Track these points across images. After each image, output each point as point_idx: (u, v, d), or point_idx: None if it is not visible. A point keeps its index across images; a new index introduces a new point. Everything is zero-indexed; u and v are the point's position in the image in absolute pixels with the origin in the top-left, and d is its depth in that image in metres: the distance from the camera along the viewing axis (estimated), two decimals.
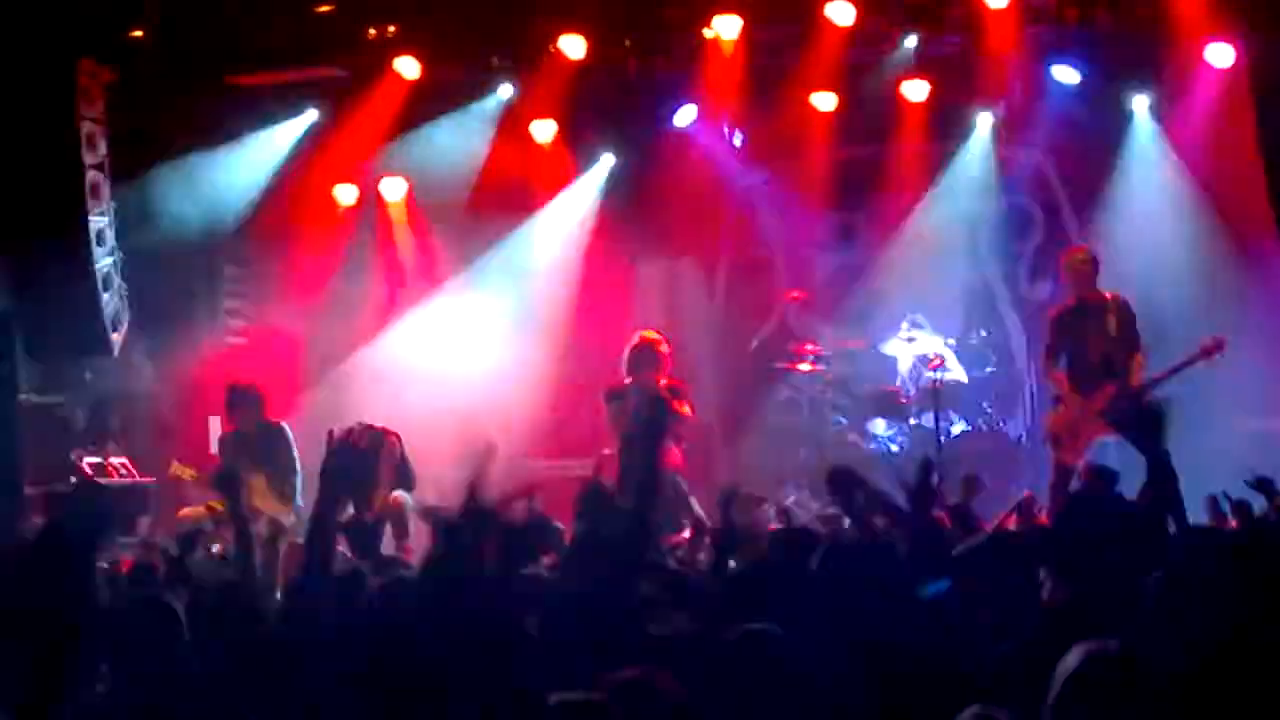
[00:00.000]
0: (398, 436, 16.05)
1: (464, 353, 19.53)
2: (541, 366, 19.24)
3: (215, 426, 19.29)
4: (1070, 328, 15.25)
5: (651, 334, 16.06)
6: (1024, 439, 18.78)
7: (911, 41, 17.45)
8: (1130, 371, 14.85)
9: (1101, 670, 4.12)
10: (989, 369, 19.26)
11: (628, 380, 15.72)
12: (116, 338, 17.29)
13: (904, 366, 18.83)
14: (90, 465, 17.92)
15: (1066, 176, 19.84)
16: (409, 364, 19.32)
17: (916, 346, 18.70)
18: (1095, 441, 14.85)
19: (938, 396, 18.01)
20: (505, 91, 18.74)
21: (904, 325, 18.76)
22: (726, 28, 17.42)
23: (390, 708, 5.35)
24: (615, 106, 19.90)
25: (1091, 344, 15.05)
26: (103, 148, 17.14)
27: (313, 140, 19.78)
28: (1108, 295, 15.25)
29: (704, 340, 19.11)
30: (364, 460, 12.22)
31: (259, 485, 15.39)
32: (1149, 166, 19.01)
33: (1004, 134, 19.73)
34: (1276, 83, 14.64)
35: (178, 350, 19.16)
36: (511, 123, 19.76)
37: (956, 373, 18.67)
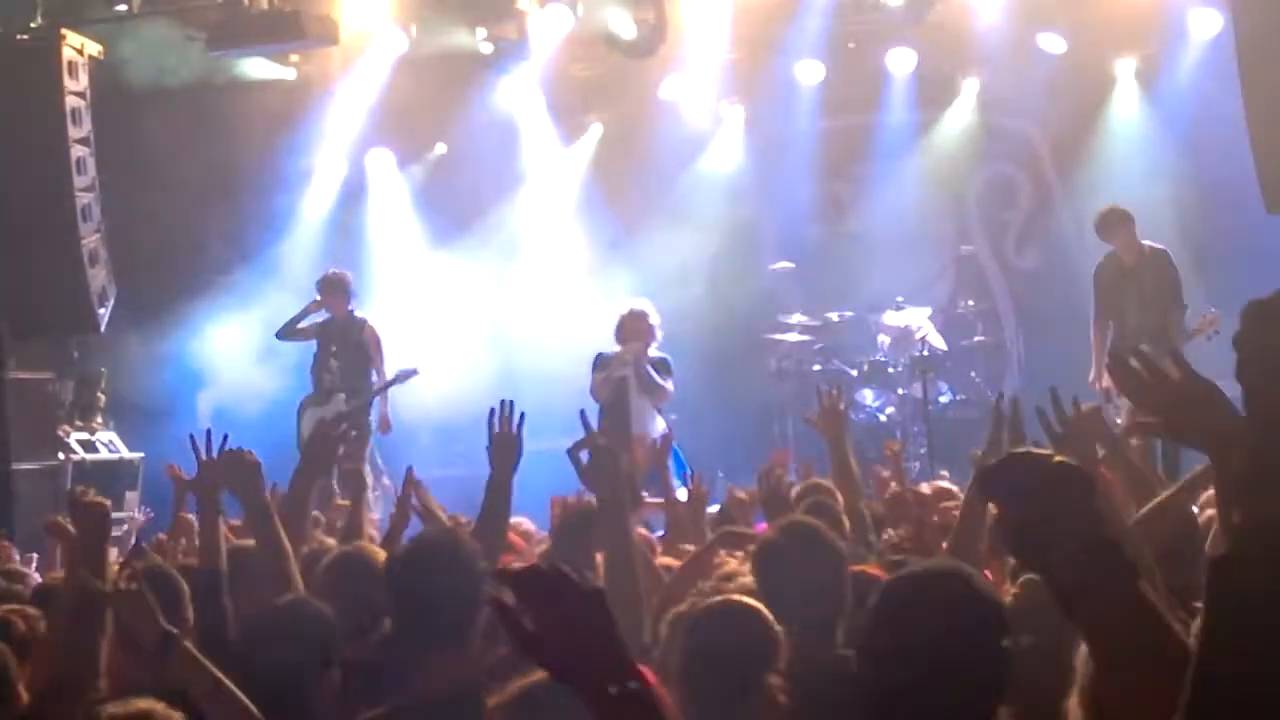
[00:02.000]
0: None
1: (448, 324, 19.52)
2: (525, 339, 19.23)
3: (203, 402, 19.32)
4: (1109, 284, 15.29)
5: (642, 303, 16.06)
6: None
7: (898, 10, 17.38)
8: (1171, 326, 14.88)
9: None
10: (977, 338, 19.27)
11: (617, 348, 15.74)
12: (103, 313, 17.25)
13: (891, 337, 18.81)
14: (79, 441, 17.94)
15: (1053, 144, 19.87)
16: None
17: (903, 317, 18.68)
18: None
19: (925, 366, 18.04)
20: (492, 62, 18.66)
21: (898, 297, 18.73)
22: None
23: None
24: (603, 77, 19.89)
25: (1130, 302, 15.11)
26: (87, 123, 17.09)
27: (297, 112, 19.73)
28: (1147, 249, 15.31)
29: (691, 310, 19.06)
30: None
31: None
32: (1135, 134, 19.06)
33: (990, 102, 19.75)
34: (1261, 48, 14.60)
35: (165, 325, 19.15)
36: (499, 93, 19.75)
37: (939, 342, 18.63)
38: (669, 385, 15.61)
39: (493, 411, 7.28)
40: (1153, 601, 2.80)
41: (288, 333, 17.28)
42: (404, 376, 16.68)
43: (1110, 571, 2.76)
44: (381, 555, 6.74)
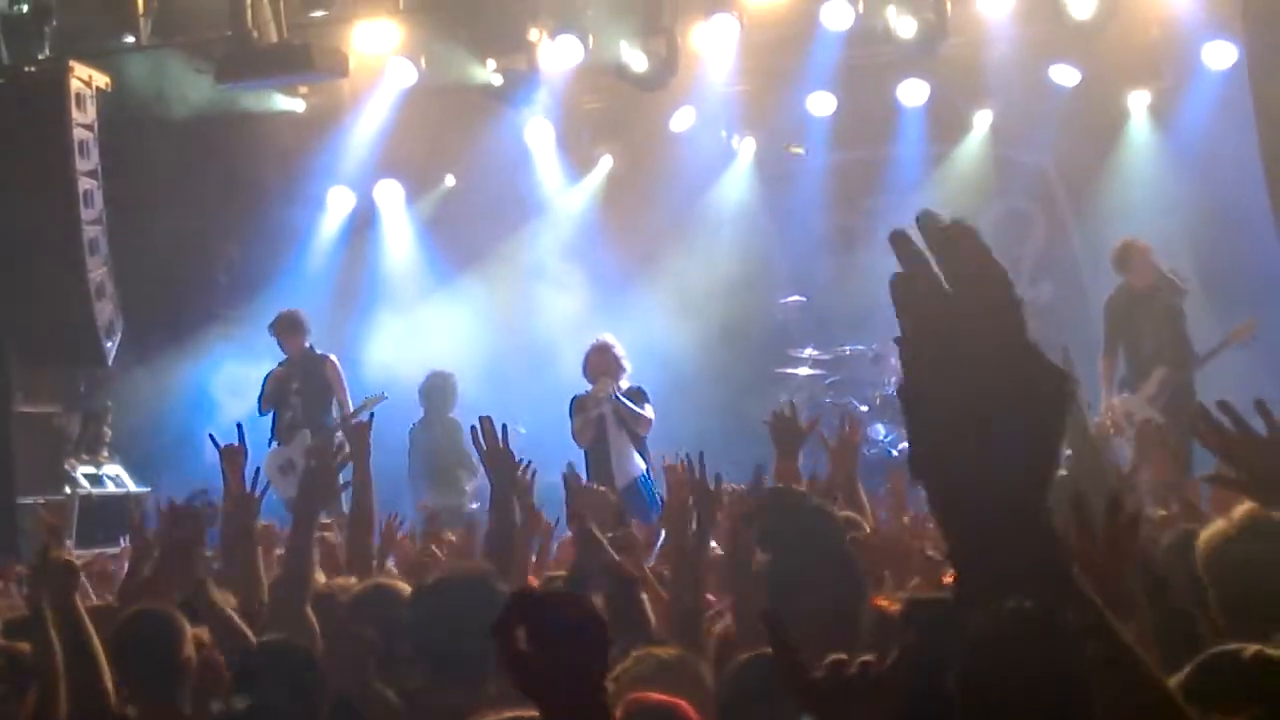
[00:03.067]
0: None
1: (455, 356, 19.46)
2: (532, 373, 19.15)
3: (210, 435, 19.22)
4: (1120, 315, 15.24)
5: (606, 337, 15.96)
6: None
7: (910, 43, 17.31)
8: (1185, 350, 14.90)
9: None
10: None
11: (591, 388, 15.67)
12: (110, 347, 17.19)
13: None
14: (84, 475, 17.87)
15: (1066, 178, 19.80)
16: (395, 369, 19.26)
17: None
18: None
19: None
20: (502, 94, 18.60)
21: None
22: (724, 29, 17.32)
23: None
24: (613, 109, 19.86)
25: (1145, 335, 15.06)
26: (95, 155, 17.04)
27: (306, 144, 19.71)
28: (1160, 275, 15.28)
29: (702, 344, 18.98)
30: None
31: None
32: (1148, 167, 18.97)
33: (1003, 135, 19.69)
34: (1275, 81, 14.53)
35: (172, 359, 19.09)
36: (508, 125, 19.71)
37: None
38: (648, 412, 15.49)
39: (474, 429, 7.28)
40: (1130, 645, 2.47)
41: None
42: (371, 404, 16.64)
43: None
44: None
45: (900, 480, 12.59)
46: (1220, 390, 15.01)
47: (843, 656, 2.70)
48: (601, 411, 15.45)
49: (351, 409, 16.68)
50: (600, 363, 15.61)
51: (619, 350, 15.73)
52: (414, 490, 16.98)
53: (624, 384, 15.63)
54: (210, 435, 8.72)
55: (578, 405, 15.67)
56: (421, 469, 17.45)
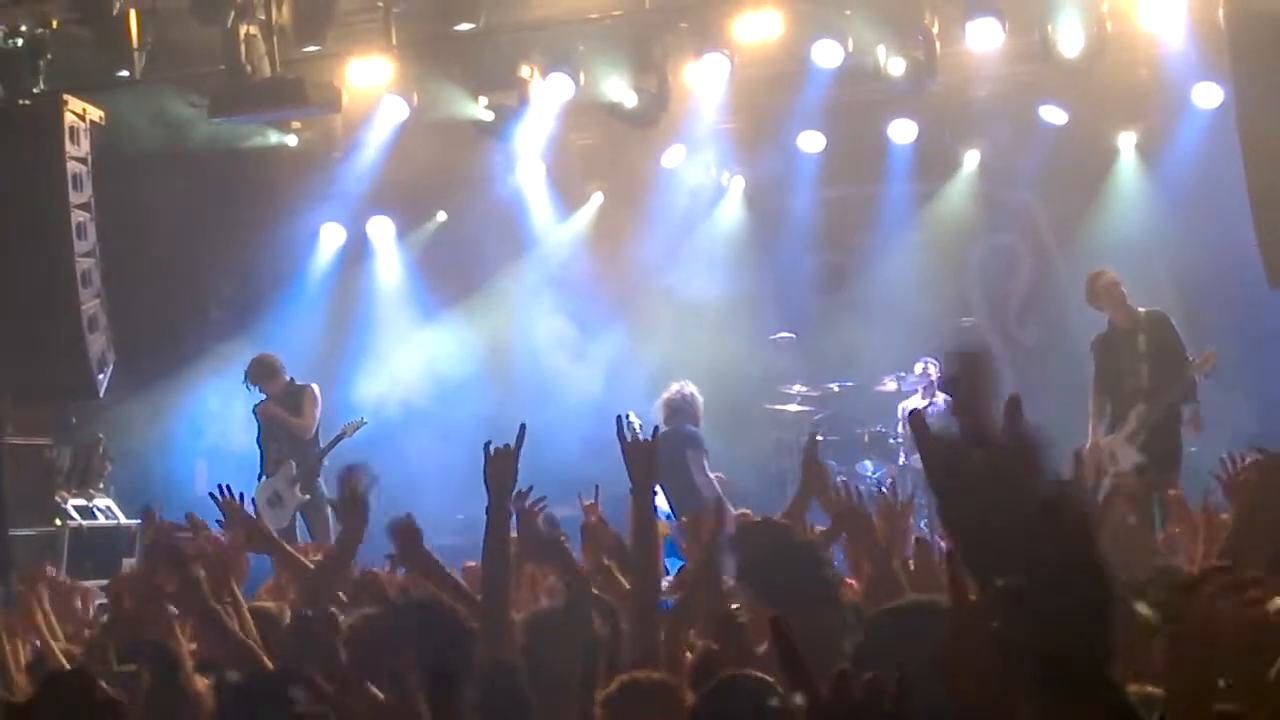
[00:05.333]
0: None
1: (445, 391, 19.53)
2: (522, 409, 19.18)
3: (201, 470, 19.25)
4: (1106, 355, 15.27)
5: (687, 386, 16.26)
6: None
7: (899, 82, 17.39)
8: (1169, 388, 14.93)
9: None
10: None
11: (663, 428, 15.87)
12: (102, 379, 17.20)
13: (905, 408, 18.75)
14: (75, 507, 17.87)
15: (1054, 216, 19.89)
16: (385, 402, 19.32)
17: (921, 388, 18.63)
18: (1132, 467, 14.80)
19: None
20: (494, 131, 18.64)
21: (918, 367, 18.66)
22: (715, 68, 17.39)
23: None
24: (604, 146, 19.93)
25: (1126, 372, 15.09)
26: (89, 188, 17.08)
27: (298, 178, 19.76)
28: (1140, 313, 15.29)
29: (691, 380, 19.02)
30: None
31: None
32: (1136, 207, 19.08)
33: (991, 174, 19.80)
34: (1263, 123, 14.61)
35: (164, 392, 19.12)
36: (500, 161, 19.78)
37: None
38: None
39: (488, 444, 7.33)
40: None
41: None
42: (351, 429, 16.66)
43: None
44: None
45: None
46: (1206, 422, 15.13)
47: (846, 667, 2.75)
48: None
49: (313, 430, 16.72)
50: (680, 409, 16.21)
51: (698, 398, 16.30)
52: None
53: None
54: (211, 494, 8.78)
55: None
56: None
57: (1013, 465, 2.58)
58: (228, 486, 9.05)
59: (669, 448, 15.60)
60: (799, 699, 2.72)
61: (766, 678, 5.04)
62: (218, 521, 8.89)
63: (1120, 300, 15.24)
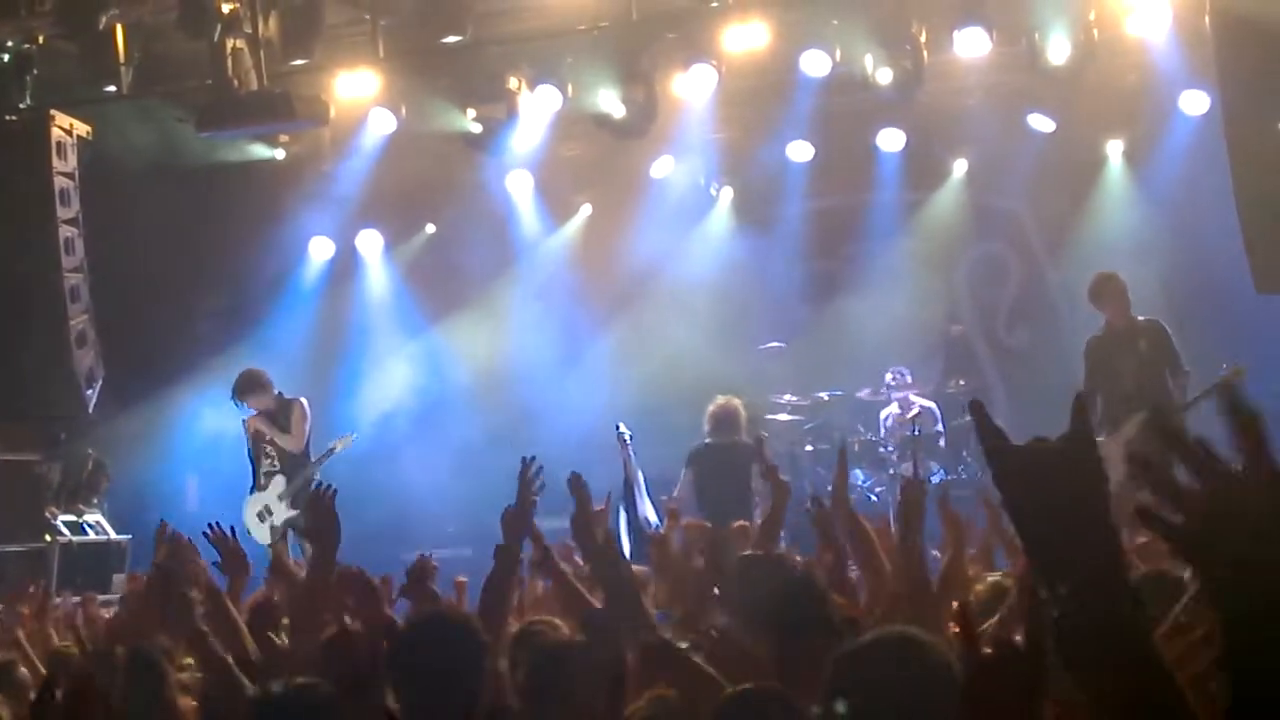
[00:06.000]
0: None
1: (436, 404, 19.55)
2: (514, 421, 19.19)
3: (192, 485, 19.24)
4: (1100, 356, 15.25)
5: (734, 400, 16.30)
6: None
7: (887, 90, 17.39)
8: (1166, 395, 14.89)
9: None
10: (968, 418, 19.10)
11: (708, 441, 15.92)
12: (91, 395, 17.18)
13: (883, 417, 18.76)
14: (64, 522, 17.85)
15: (1042, 224, 19.91)
16: (376, 415, 19.33)
17: (897, 398, 18.64)
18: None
19: (916, 447, 17.95)
20: (482, 143, 18.62)
21: (888, 376, 18.69)
22: (703, 78, 17.40)
23: None
24: (593, 157, 19.93)
25: (1124, 374, 15.07)
26: (76, 203, 17.07)
27: (287, 192, 19.74)
28: (1140, 320, 15.27)
29: (681, 390, 19.03)
30: None
31: None
32: (1124, 213, 19.10)
33: (979, 182, 19.82)
34: (1249, 129, 14.62)
35: (154, 407, 19.10)
36: (488, 173, 19.77)
37: (934, 423, 18.60)
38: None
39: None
40: (1169, 669, 2.63)
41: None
42: (341, 444, 16.64)
43: (1118, 616, 2.60)
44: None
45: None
46: (1196, 428, 15.17)
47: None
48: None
49: (303, 445, 16.66)
50: (725, 422, 16.29)
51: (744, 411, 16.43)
52: None
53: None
54: (204, 533, 8.73)
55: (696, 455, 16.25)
56: None
57: (1080, 463, 2.64)
58: (217, 524, 8.95)
59: (722, 459, 15.65)
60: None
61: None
62: (215, 564, 8.83)
63: (1125, 307, 15.22)
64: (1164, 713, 2.58)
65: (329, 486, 7.44)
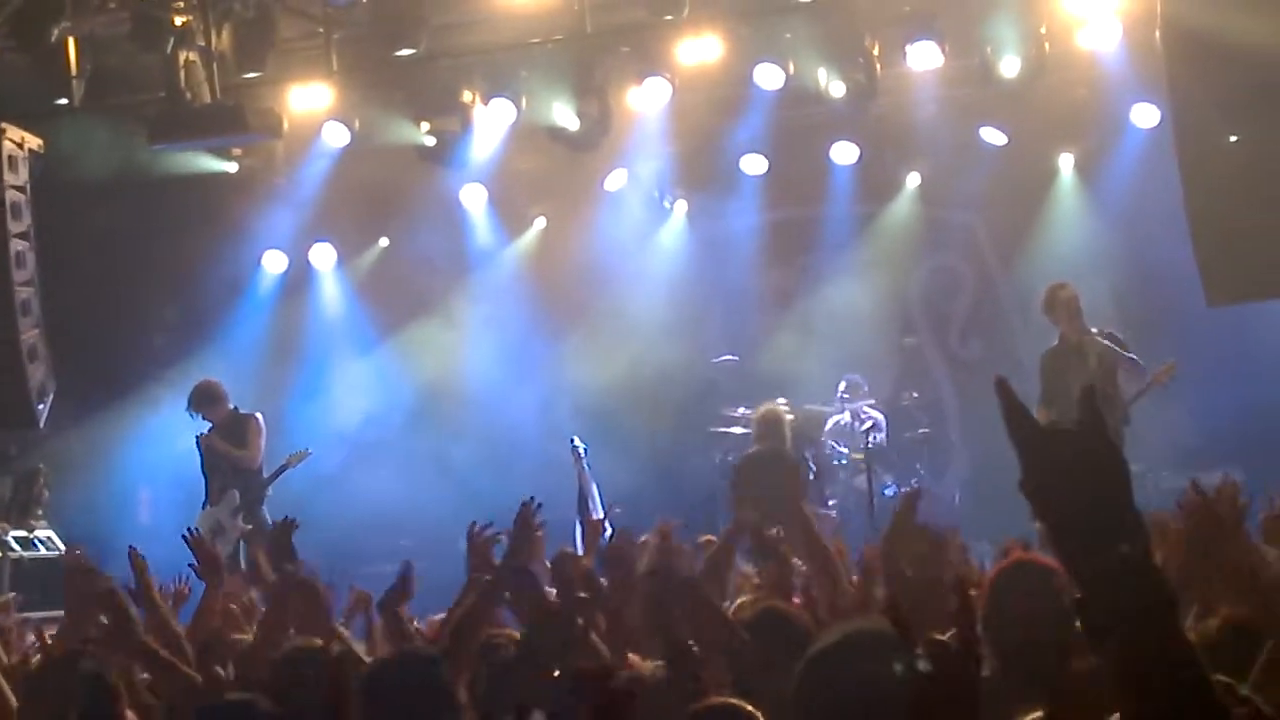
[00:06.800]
0: None
1: (389, 417, 19.51)
2: (466, 434, 19.17)
3: (145, 499, 19.15)
4: (1054, 368, 15.31)
5: (776, 406, 16.48)
6: (958, 499, 18.76)
7: (841, 104, 17.44)
8: (1119, 402, 15.01)
9: None
10: (921, 430, 19.20)
11: (755, 448, 15.98)
12: (42, 409, 17.10)
13: (837, 429, 18.76)
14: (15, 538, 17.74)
15: (995, 236, 19.98)
16: (330, 427, 19.27)
17: (850, 408, 18.67)
18: None
19: (870, 458, 17.98)
20: (436, 156, 18.59)
21: (840, 385, 18.71)
22: (656, 91, 17.43)
23: None
24: (547, 170, 19.92)
25: (1074, 384, 15.14)
26: (28, 216, 16.99)
27: (239, 205, 19.69)
28: (1093, 331, 15.35)
29: (635, 403, 19.04)
30: None
31: None
32: (1076, 226, 19.18)
33: (932, 195, 19.88)
34: (1200, 142, 14.71)
35: (106, 421, 19.00)
36: (442, 186, 19.74)
37: (882, 435, 18.63)
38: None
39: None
40: (1195, 651, 2.67)
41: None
42: (296, 460, 16.60)
43: (1146, 598, 2.65)
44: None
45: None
46: (1149, 440, 15.21)
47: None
48: None
49: (258, 461, 16.60)
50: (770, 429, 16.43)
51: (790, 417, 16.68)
52: None
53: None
54: (184, 536, 8.78)
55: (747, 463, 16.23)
56: None
57: (1096, 447, 2.79)
58: (196, 529, 8.98)
59: (772, 467, 15.67)
60: None
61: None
62: (190, 565, 8.83)
63: (1076, 315, 15.30)
64: (1191, 695, 2.62)
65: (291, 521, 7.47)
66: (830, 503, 18.53)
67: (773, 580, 8.43)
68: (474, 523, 8.14)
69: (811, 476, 16.50)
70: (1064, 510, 2.70)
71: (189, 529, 8.89)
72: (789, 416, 16.84)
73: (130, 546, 8.52)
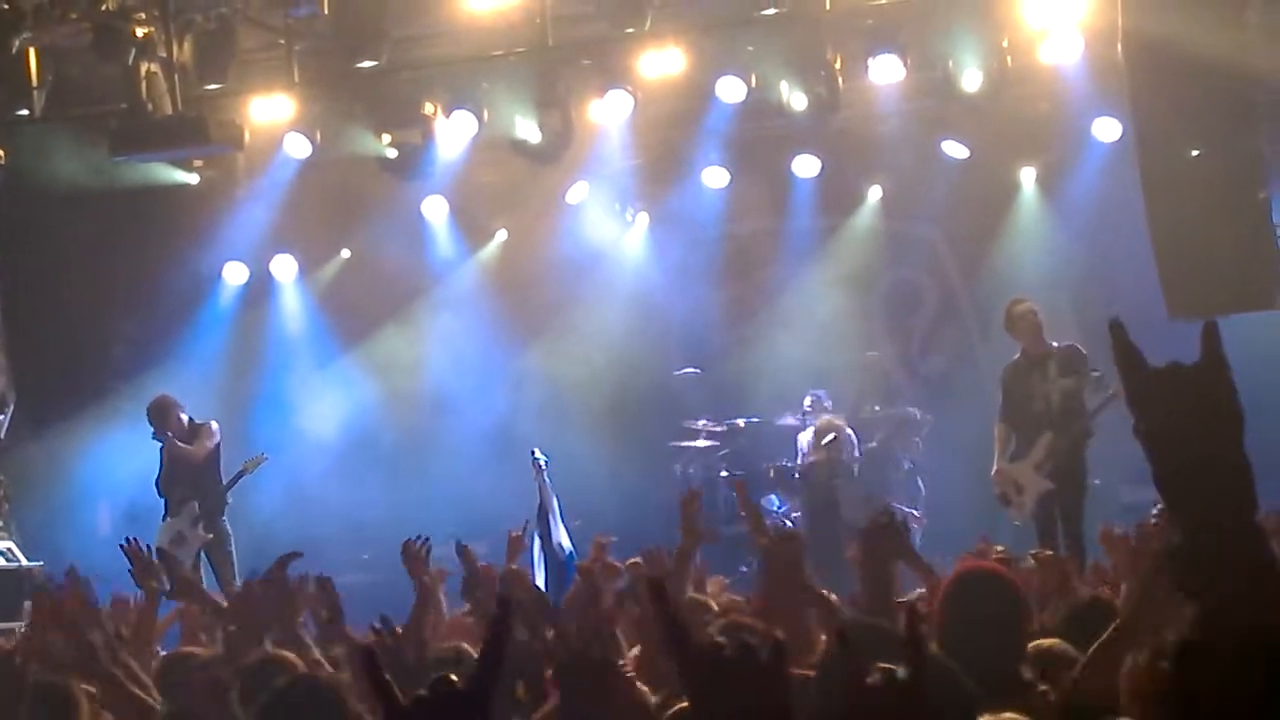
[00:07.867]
0: None
1: (351, 430, 19.48)
2: (429, 446, 19.15)
3: (104, 511, 19.06)
4: (1015, 383, 15.34)
5: (835, 419, 17.05)
6: (917, 511, 18.77)
7: (802, 117, 17.44)
8: (1082, 415, 15.04)
9: None
10: (871, 444, 19.14)
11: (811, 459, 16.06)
12: (2, 420, 17.02)
13: (801, 442, 18.75)
14: None
15: (957, 250, 20.01)
16: (290, 440, 19.23)
17: (812, 422, 18.66)
18: (1040, 495, 14.90)
19: (832, 472, 17.97)
20: (397, 168, 18.55)
21: (806, 400, 18.70)
22: (618, 104, 17.42)
23: None
24: (508, 183, 19.90)
25: (1035, 397, 15.17)
26: None
27: (201, 217, 19.61)
28: (1054, 346, 15.38)
29: (596, 416, 19.03)
30: None
31: None
32: (1038, 239, 19.23)
33: (894, 208, 19.92)
34: (1162, 155, 14.74)
35: (66, 433, 18.91)
36: (404, 199, 19.71)
37: (850, 448, 18.60)
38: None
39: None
40: None
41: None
42: (253, 465, 16.58)
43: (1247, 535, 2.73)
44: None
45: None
46: (1111, 454, 15.25)
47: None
48: None
49: (205, 454, 16.55)
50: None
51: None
52: None
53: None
54: (121, 546, 8.76)
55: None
56: None
57: (1214, 385, 2.81)
58: (136, 538, 8.93)
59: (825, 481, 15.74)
60: None
61: None
62: (129, 572, 8.78)
63: (1036, 330, 15.34)
64: None
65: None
66: (794, 514, 18.56)
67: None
68: (408, 539, 8.18)
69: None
70: (1170, 450, 2.78)
71: (127, 537, 8.84)
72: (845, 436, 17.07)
73: (70, 566, 8.50)
